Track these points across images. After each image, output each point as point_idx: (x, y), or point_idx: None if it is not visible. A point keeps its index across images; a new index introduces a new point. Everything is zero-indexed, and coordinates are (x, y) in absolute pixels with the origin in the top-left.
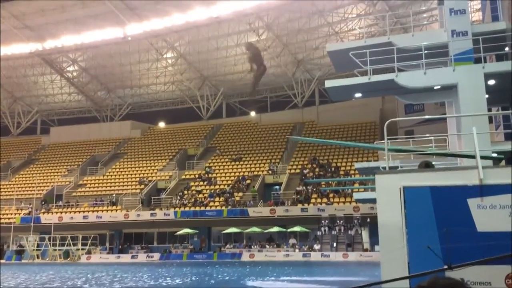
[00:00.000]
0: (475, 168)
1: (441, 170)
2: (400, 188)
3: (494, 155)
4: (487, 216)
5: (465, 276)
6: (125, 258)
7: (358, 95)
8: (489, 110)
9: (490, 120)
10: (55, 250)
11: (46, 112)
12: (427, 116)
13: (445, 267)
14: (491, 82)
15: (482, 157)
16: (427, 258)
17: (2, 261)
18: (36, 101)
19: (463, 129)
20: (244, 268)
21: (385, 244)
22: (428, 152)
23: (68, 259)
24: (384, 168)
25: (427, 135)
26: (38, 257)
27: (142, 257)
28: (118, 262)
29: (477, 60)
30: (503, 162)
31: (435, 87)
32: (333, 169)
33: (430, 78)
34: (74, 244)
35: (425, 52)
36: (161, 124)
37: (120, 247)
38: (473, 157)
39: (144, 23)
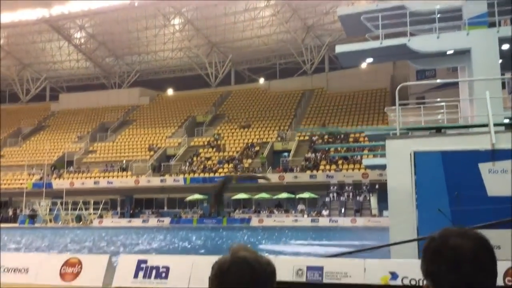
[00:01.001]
0: (487, 133)
1: (452, 135)
2: (410, 153)
3: (506, 121)
4: (498, 181)
5: None
6: (136, 222)
7: (369, 60)
8: (502, 75)
9: (503, 85)
10: (67, 214)
11: (55, 79)
12: (438, 81)
13: None
14: (505, 46)
15: (494, 124)
16: (436, 222)
17: (16, 225)
18: (45, 68)
19: (475, 94)
20: (254, 232)
21: (394, 209)
22: (439, 126)
23: (81, 223)
24: (395, 133)
25: (438, 99)
26: (50, 221)
27: (153, 221)
28: (130, 226)
29: (492, 24)
30: None
31: (448, 52)
32: (342, 135)
33: (443, 42)
34: (86, 209)
35: (438, 16)
36: (170, 91)
37: (131, 211)
38: (485, 125)
39: None
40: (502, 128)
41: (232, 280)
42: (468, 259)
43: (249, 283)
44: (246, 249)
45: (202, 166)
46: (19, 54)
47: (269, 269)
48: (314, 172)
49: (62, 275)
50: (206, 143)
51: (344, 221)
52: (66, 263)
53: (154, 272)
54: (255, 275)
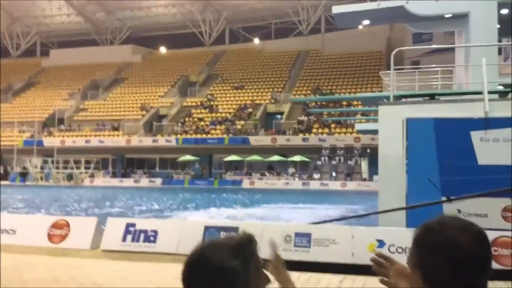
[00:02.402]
0: (480, 100)
1: (445, 102)
2: (403, 120)
3: (501, 87)
4: (489, 149)
5: (462, 208)
6: (128, 182)
7: (366, 22)
8: (500, 41)
9: (499, 51)
10: (59, 173)
11: (45, 34)
12: (434, 46)
13: (444, 199)
14: (504, 11)
15: (489, 92)
16: (426, 190)
17: (7, 182)
18: (35, 22)
19: (471, 59)
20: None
21: (384, 175)
22: (433, 93)
23: (72, 181)
24: (388, 98)
25: (433, 65)
26: (41, 179)
27: (144, 181)
28: (121, 186)
29: None
30: (509, 96)
31: (446, 15)
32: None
33: (441, 5)
34: (77, 168)
35: None
36: (162, 49)
37: (122, 171)
38: (480, 93)
39: None
40: (496, 96)
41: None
42: (466, 256)
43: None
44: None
45: (194, 127)
46: (9, 7)
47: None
48: (307, 135)
49: (50, 237)
50: (199, 103)
51: (335, 185)
52: (54, 225)
53: (142, 235)
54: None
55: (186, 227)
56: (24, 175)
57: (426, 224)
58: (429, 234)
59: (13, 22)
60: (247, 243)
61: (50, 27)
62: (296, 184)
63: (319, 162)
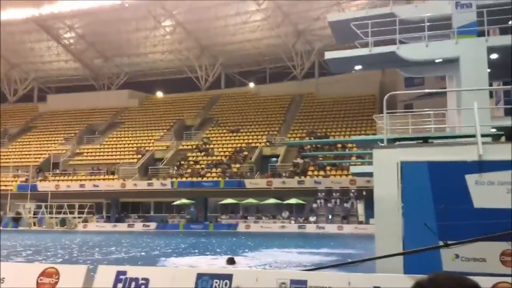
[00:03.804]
0: (474, 144)
1: (439, 145)
2: (397, 163)
3: (494, 130)
4: (485, 193)
5: (460, 253)
6: (122, 227)
7: (358, 67)
8: (490, 84)
9: (491, 95)
10: (52, 217)
11: (43, 79)
12: (427, 90)
13: (441, 244)
14: (494, 56)
15: (482, 135)
16: (423, 234)
17: None
18: (33, 68)
19: (463, 103)
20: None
21: (380, 219)
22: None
23: (65, 227)
24: (382, 142)
25: (426, 109)
26: (34, 225)
27: (138, 226)
28: (115, 231)
29: (481, 33)
30: (502, 138)
31: (437, 60)
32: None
33: (432, 50)
34: (71, 212)
35: (428, 24)
36: (159, 94)
37: (117, 216)
38: (473, 136)
39: None
40: (489, 139)
41: None
42: None
43: None
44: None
45: (190, 170)
46: (7, 53)
47: None
48: (302, 177)
49: (39, 285)
50: (194, 146)
51: (331, 228)
52: (43, 273)
53: (133, 284)
54: None
55: (178, 275)
56: (17, 220)
57: (418, 282)
58: None
59: (11, 68)
60: None
61: (48, 73)
62: (292, 227)
63: (315, 205)
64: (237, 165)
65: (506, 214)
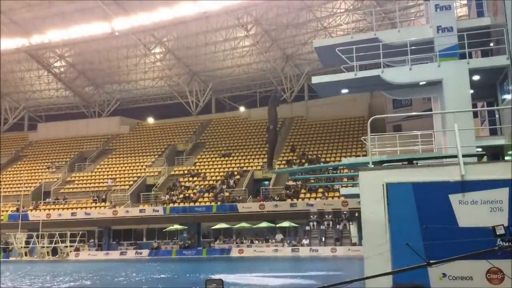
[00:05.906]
0: (456, 164)
1: (423, 166)
2: (383, 185)
3: (479, 150)
4: (469, 212)
5: (447, 271)
6: (114, 254)
7: (344, 91)
8: (474, 105)
9: (475, 115)
10: (43, 247)
11: (34, 108)
12: (413, 113)
13: (424, 263)
14: (476, 77)
15: (464, 155)
16: (410, 254)
17: None
18: (23, 97)
19: (447, 125)
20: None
21: (368, 240)
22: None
23: (57, 256)
24: (369, 164)
25: (414, 131)
26: (26, 255)
27: (131, 253)
28: (107, 259)
29: (462, 56)
30: (485, 158)
31: (421, 83)
32: (321, 164)
33: (415, 74)
34: (63, 241)
35: (411, 48)
36: (150, 120)
37: (108, 243)
38: (455, 156)
39: (131, 17)
40: (474, 159)
41: None
42: None
43: None
44: None
45: (182, 196)
46: None
47: None
48: (294, 200)
49: None
50: (186, 171)
51: (325, 251)
52: None
53: None
54: None
55: None
56: (7, 250)
57: None
58: None
59: (2, 98)
60: None
61: (39, 102)
62: (285, 250)
63: (307, 227)
64: (229, 190)
65: (490, 232)
